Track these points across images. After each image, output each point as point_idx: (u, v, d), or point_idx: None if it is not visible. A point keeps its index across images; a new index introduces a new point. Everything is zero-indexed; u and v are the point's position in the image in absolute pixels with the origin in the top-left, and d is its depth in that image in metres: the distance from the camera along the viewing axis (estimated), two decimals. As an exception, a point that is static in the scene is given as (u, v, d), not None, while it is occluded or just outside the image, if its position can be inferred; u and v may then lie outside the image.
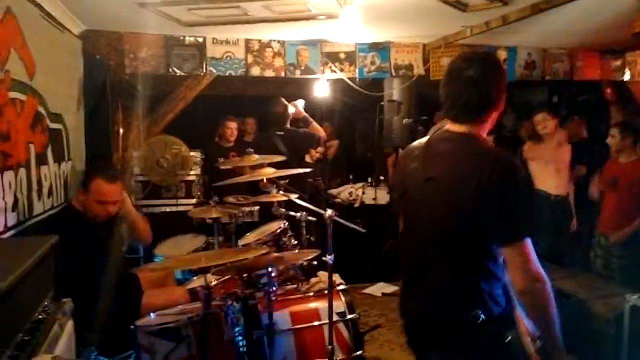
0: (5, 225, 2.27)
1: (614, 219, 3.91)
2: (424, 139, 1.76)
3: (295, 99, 4.53)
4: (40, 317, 1.41)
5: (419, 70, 4.84)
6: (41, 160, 2.79)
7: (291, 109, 4.34)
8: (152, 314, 2.57)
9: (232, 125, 5.51)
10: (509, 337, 1.51)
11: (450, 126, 1.69)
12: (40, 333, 1.37)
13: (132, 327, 2.41)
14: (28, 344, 1.24)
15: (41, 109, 2.81)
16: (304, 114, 4.48)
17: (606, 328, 2.89)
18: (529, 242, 1.49)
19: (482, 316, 1.52)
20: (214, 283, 2.77)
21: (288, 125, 4.44)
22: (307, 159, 5.29)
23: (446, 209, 1.57)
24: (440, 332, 1.62)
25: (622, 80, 5.38)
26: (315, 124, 4.49)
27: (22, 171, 2.49)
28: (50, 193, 2.93)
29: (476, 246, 1.55)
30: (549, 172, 4.31)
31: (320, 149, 5.85)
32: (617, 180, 3.88)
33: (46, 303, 1.52)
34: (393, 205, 1.89)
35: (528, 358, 1.50)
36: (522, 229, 1.50)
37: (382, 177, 5.98)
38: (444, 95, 1.67)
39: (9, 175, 2.31)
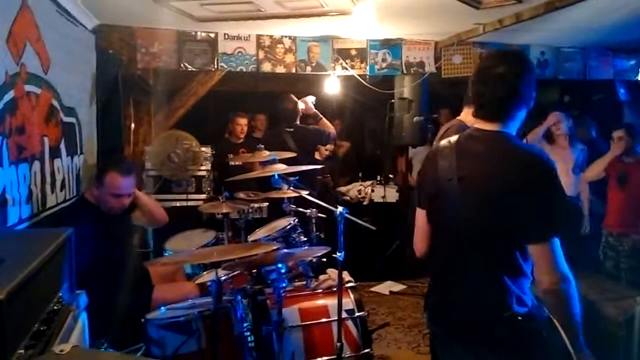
0: (20, 217, 2.29)
1: (622, 217, 3.88)
2: (453, 138, 1.76)
3: (306, 96, 4.52)
4: (55, 308, 1.42)
5: (430, 68, 4.83)
6: (54, 153, 2.81)
7: (301, 106, 4.33)
8: (162, 308, 2.59)
9: (242, 121, 5.52)
10: (549, 336, 1.51)
11: (480, 124, 1.70)
12: (55, 324, 1.38)
13: (142, 320, 2.43)
14: (44, 334, 1.26)
15: (55, 103, 2.84)
16: (314, 110, 4.47)
17: (616, 330, 2.87)
18: (557, 241, 1.51)
19: (520, 312, 1.55)
20: (223, 278, 2.79)
21: (298, 122, 4.44)
22: (317, 156, 5.28)
23: (480, 207, 1.58)
24: (473, 328, 1.63)
25: (636, 80, 5.34)
26: (325, 121, 4.48)
27: (37, 164, 2.52)
28: (63, 186, 2.96)
29: (511, 244, 1.57)
30: (560, 172, 4.27)
31: (329, 146, 5.84)
32: (626, 177, 3.86)
33: (60, 294, 1.53)
34: (421, 202, 1.87)
35: (565, 355, 1.49)
36: (552, 228, 1.51)
37: (391, 176, 5.97)
38: (474, 94, 1.69)
39: (23, 167, 2.33)
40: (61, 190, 2.94)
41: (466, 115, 3.11)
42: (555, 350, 1.49)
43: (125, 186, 2.77)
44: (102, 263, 2.57)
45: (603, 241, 4.04)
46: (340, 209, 2.51)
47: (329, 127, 4.46)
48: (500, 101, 1.62)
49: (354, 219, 2.72)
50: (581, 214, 4.30)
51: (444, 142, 1.79)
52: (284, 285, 2.59)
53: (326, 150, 5.90)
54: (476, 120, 1.72)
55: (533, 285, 1.62)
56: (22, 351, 1.12)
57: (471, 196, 1.61)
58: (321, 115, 4.50)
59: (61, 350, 0.85)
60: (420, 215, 1.84)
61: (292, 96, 4.40)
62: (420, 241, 1.86)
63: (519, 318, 1.55)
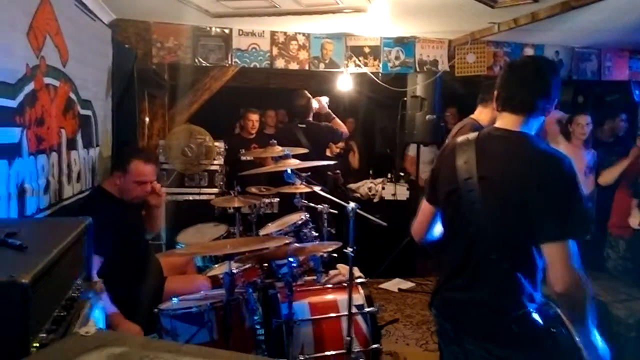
0: (38, 207, 2.34)
1: (624, 219, 3.87)
2: (472, 135, 1.77)
3: (318, 93, 4.56)
4: (74, 295, 1.46)
5: (443, 66, 4.82)
6: (71, 145, 2.85)
7: (315, 105, 4.36)
8: (175, 299, 2.63)
9: (254, 117, 5.55)
10: (558, 332, 1.52)
11: (502, 122, 1.73)
12: (74, 310, 1.41)
13: (155, 310, 2.47)
14: (64, 320, 1.29)
15: (73, 95, 2.88)
16: (327, 110, 4.51)
17: (626, 332, 2.87)
18: (573, 243, 1.52)
19: (531, 309, 1.56)
20: (235, 271, 2.82)
21: (310, 119, 4.47)
22: (327, 152, 5.30)
23: (500, 207, 1.61)
24: (485, 324, 1.65)
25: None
26: (338, 121, 4.51)
27: (54, 155, 2.56)
28: (79, 178, 3.00)
29: (528, 243, 1.59)
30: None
31: (341, 144, 5.86)
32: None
33: (79, 282, 1.57)
34: (431, 198, 1.90)
35: (574, 350, 1.51)
36: (570, 228, 1.53)
37: (401, 174, 5.97)
38: (503, 89, 1.73)
39: (41, 159, 2.37)
40: (77, 182, 2.98)
41: (479, 114, 3.11)
42: (565, 345, 1.51)
43: (149, 173, 2.84)
44: (120, 253, 2.62)
45: (607, 242, 4.04)
46: (352, 204, 2.53)
47: (342, 127, 4.49)
48: (530, 96, 1.66)
49: (365, 214, 2.73)
50: (592, 215, 4.28)
51: (461, 138, 1.79)
52: (294, 279, 2.63)
53: (337, 148, 5.92)
54: (500, 115, 1.75)
55: (543, 283, 1.63)
56: (45, 335, 1.15)
57: (491, 195, 1.62)
58: (334, 115, 4.53)
59: (87, 332, 0.88)
60: (426, 206, 1.89)
61: (306, 92, 4.44)
62: (420, 228, 1.93)
63: (532, 315, 1.56)
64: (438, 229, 1.90)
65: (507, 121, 1.72)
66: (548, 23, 3.76)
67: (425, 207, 1.91)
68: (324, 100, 4.48)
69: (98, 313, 1.71)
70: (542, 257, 1.58)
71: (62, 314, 1.32)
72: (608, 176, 4.02)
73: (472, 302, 1.68)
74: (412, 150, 5.90)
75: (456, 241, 1.75)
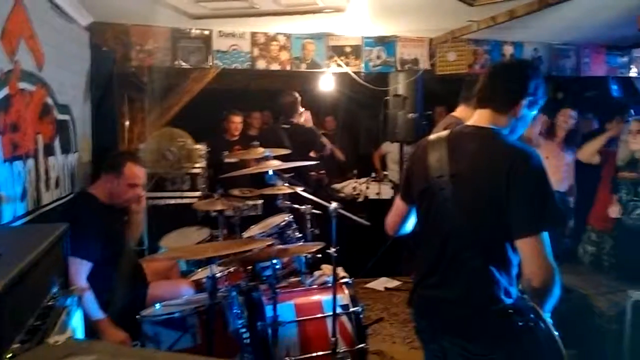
0: (14, 214, 2.29)
1: (608, 216, 3.90)
2: (443, 133, 1.79)
3: (301, 93, 4.59)
4: (49, 303, 1.43)
5: (424, 64, 4.84)
6: (49, 151, 2.80)
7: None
8: (157, 305, 2.60)
9: (237, 119, 5.53)
10: (536, 325, 1.53)
11: (474, 120, 1.75)
12: (50, 319, 1.39)
13: (137, 317, 2.44)
14: (39, 329, 1.27)
15: (49, 100, 2.83)
16: (311, 123, 4.62)
17: (608, 324, 2.91)
18: (546, 236, 1.53)
19: (508, 304, 1.58)
20: (219, 274, 2.80)
21: (295, 120, 4.49)
22: (312, 153, 5.30)
23: (472, 203, 1.62)
24: (463, 321, 1.66)
25: (628, 76, 5.38)
26: (324, 139, 4.60)
27: (30, 161, 2.51)
28: (57, 184, 2.95)
29: (501, 238, 1.60)
30: (551, 168, 4.29)
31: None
32: None
33: (55, 290, 1.54)
34: (404, 195, 1.92)
35: (553, 342, 1.52)
36: (541, 222, 1.54)
37: (386, 172, 6.00)
38: (485, 86, 1.75)
39: (18, 165, 2.33)
40: (56, 188, 2.93)
41: (461, 112, 3.12)
42: (543, 337, 1.52)
43: (142, 175, 2.91)
44: (106, 259, 2.60)
45: (585, 237, 4.08)
46: (334, 204, 2.53)
47: (326, 142, 4.56)
48: (506, 94, 1.69)
49: (347, 214, 2.73)
50: (569, 209, 4.34)
51: (433, 136, 1.81)
52: (278, 281, 2.62)
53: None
54: (476, 112, 1.76)
55: (518, 278, 1.64)
56: (18, 345, 1.13)
57: (462, 192, 1.64)
58: (320, 133, 4.62)
59: (56, 342, 0.86)
60: (400, 203, 1.92)
61: (293, 92, 4.46)
62: (393, 223, 1.96)
63: (510, 311, 1.57)
64: (411, 224, 1.93)
65: (480, 118, 1.73)
66: (526, 20, 3.80)
67: (399, 204, 1.94)
68: (307, 114, 4.56)
69: (76, 321, 1.68)
70: (516, 252, 1.59)
71: (37, 323, 1.30)
72: (587, 150, 3.99)
73: (448, 300, 1.69)
74: (384, 147, 5.96)
75: (431, 239, 1.76)
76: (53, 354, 0.79)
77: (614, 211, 3.75)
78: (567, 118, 4.29)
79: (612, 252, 3.88)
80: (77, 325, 1.69)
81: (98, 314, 2.48)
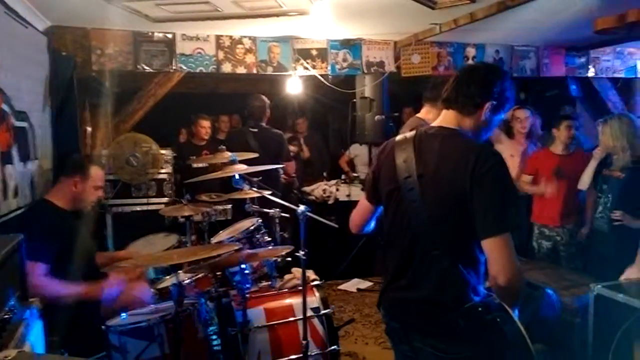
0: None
1: (558, 208, 4.00)
2: (409, 134, 1.80)
3: (269, 96, 4.62)
4: (6, 317, 1.37)
5: (390, 67, 4.89)
6: (6, 159, 2.72)
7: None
8: (124, 314, 2.53)
9: (206, 124, 5.47)
10: (503, 321, 1.55)
11: (439, 121, 1.77)
12: (6, 333, 1.33)
13: (103, 327, 2.37)
14: (-7, 344, 1.22)
15: (5, 107, 2.74)
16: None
17: (572, 317, 2.97)
18: (509, 235, 1.55)
19: (477, 302, 1.59)
20: (187, 281, 2.75)
21: (264, 124, 4.48)
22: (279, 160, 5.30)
23: (439, 203, 1.63)
24: (432, 320, 1.66)
25: (587, 76, 5.56)
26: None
27: (-14, 170, 2.42)
28: (16, 193, 2.86)
29: (468, 237, 1.61)
30: (512, 165, 4.37)
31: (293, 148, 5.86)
32: (562, 170, 3.98)
33: (12, 303, 1.48)
34: (369, 196, 1.94)
35: (521, 338, 1.54)
36: (505, 221, 1.56)
37: (356, 174, 6.03)
38: (452, 89, 1.76)
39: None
40: (14, 197, 2.84)
41: (426, 114, 3.16)
42: (511, 334, 1.54)
43: (103, 178, 3.07)
44: (63, 265, 2.54)
45: (536, 233, 4.15)
46: (302, 207, 2.51)
47: (290, 168, 4.91)
48: (470, 96, 1.70)
49: (315, 217, 2.72)
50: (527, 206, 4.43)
51: (400, 137, 1.82)
52: (248, 286, 2.59)
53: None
54: (442, 113, 1.78)
55: (485, 276, 1.67)
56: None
57: (429, 193, 1.65)
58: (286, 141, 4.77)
59: (6, 357, 0.82)
60: (366, 204, 1.95)
61: (262, 96, 4.45)
62: (358, 219, 2.00)
63: (479, 309, 1.59)
64: (373, 222, 1.98)
65: (446, 119, 1.76)
66: (487, 23, 3.88)
67: (364, 204, 1.96)
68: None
69: (35, 335, 1.62)
70: (482, 250, 1.61)
71: (-9, 338, 1.25)
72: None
73: (418, 300, 1.69)
74: (353, 150, 6.02)
75: (399, 240, 1.77)
76: (2, 369, 0.76)
77: (584, 184, 3.83)
78: (521, 122, 4.37)
79: (571, 242, 3.97)
80: (36, 338, 1.63)
81: (75, 289, 2.56)
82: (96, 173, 2.90)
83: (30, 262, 2.27)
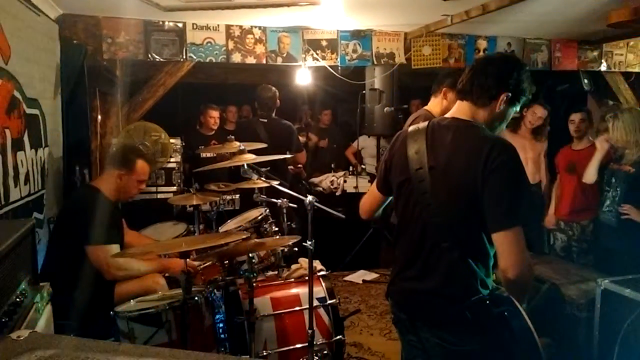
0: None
1: (572, 203, 3.99)
2: (422, 125, 1.79)
3: (278, 87, 4.62)
4: (17, 300, 1.40)
5: (400, 59, 4.86)
6: (17, 146, 2.74)
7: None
8: (132, 300, 2.56)
9: (215, 114, 5.48)
10: (511, 315, 1.56)
11: (453, 112, 1.77)
12: (17, 316, 1.36)
13: (112, 313, 2.40)
14: (5, 326, 1.24)
15: (17, 94, 2.76)
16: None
17: (578, 312, 2.97)
18: (521, 229, 1.54)
19: (485, 295, 1.60)
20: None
21: (273, 115, 4.49)
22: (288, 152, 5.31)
23: (450, 196, 1.63)
24: (441, 312, 1.67)
25: (599, 70, 5.50)
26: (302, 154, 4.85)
27: (-3, 156, 2.45)
28: (27, 180, 2.89)
29: (479, 230, 1.61)
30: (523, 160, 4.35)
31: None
32: (574, 166, 3.97)
33: (23, 287, 1.51)
34: (380, 186, 1.95)
35: (528, 332, 1.55)
36: (518, 215, 1.55)
37: (363, 166, 6.02)
38: (468, 81, 1.75)
39: (-17, 160, 2.27)
40: (25, 184, 2.87)
41: (433, 106, 3.15)
42: (517, 327, 1.55)
43: (148, 172, 3.10)
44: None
45: (554, 227, 4.17)
46: (309, 198, 2.53)
47: (301, 158, 4.84)
48: (485, 87, 1.68)
49: (323, 207, 2.74)
50: (543, 201, 4.42)
51: (412, 128, 1.81)
52: (255, 275, 2.61)
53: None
54: (456, 104, 1.77)
55: (493, 269, 1.67)
56: (-18, 343, 1.10)
57: (440, 184, 1.65)
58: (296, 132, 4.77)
59: (18, 336, 0.85)
60: (376, 192, 1.96)
61: (271, 86, 4.45)
62: (368, 206, 2.03)
63: (487, 302, 1.59)
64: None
65: (460, 110, 1.75)
66: (499, 15, 3.84)
67: (374, 192, 1.97)
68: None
69: (47, 318, 1.65)
70: (492, 244, 1.61)
71: (4, 319, 1.27)
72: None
73: (426, 291, 1.70)
74: (361, 142, 6.01)
75: (409, 231, 1.77)
76: (14, 348, 0.77)
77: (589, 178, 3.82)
78: (535, 117, 4.33)
79: (582, 238, 3.97)
80: (47, 322, 1.66)
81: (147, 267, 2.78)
82: (142, 167, 2.94)
83: (99, 246, 2.61)
